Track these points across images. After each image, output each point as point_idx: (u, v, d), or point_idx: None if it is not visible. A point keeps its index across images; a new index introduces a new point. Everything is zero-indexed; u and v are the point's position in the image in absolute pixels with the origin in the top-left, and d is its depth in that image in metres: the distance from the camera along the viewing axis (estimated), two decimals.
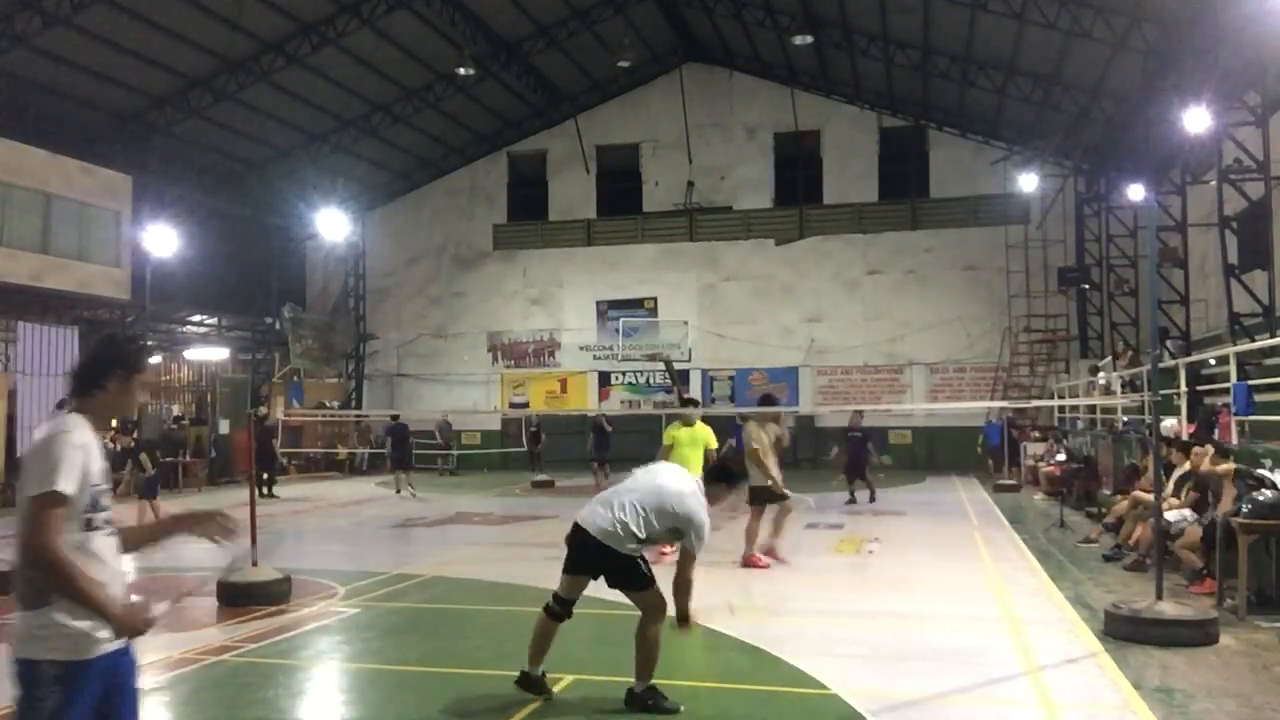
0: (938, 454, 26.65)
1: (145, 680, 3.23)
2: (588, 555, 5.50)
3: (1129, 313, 24.73)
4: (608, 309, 29.77)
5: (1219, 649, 6.65)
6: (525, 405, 30.10)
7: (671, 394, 27.47)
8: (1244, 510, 7.85)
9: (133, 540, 3.18)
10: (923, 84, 25.27)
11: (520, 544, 12.94)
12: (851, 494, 17.79)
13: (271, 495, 19.83)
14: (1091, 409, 19.71)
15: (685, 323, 28.60)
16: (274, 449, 22.01)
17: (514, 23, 24.26)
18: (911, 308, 27.99)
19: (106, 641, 2.90)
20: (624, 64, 25.13)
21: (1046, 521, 14.17)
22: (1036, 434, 22.60)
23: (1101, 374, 19.37)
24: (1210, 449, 9.13)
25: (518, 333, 30.75)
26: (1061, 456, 18.13)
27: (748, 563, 10.41)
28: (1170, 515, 8.96)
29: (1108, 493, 14.12)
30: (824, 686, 5.89)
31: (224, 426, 25.39)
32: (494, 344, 30.89)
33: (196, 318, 27.95)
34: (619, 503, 5.48)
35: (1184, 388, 12.52)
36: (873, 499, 17.54)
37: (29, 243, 19.81)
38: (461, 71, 23.19)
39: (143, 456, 14.48)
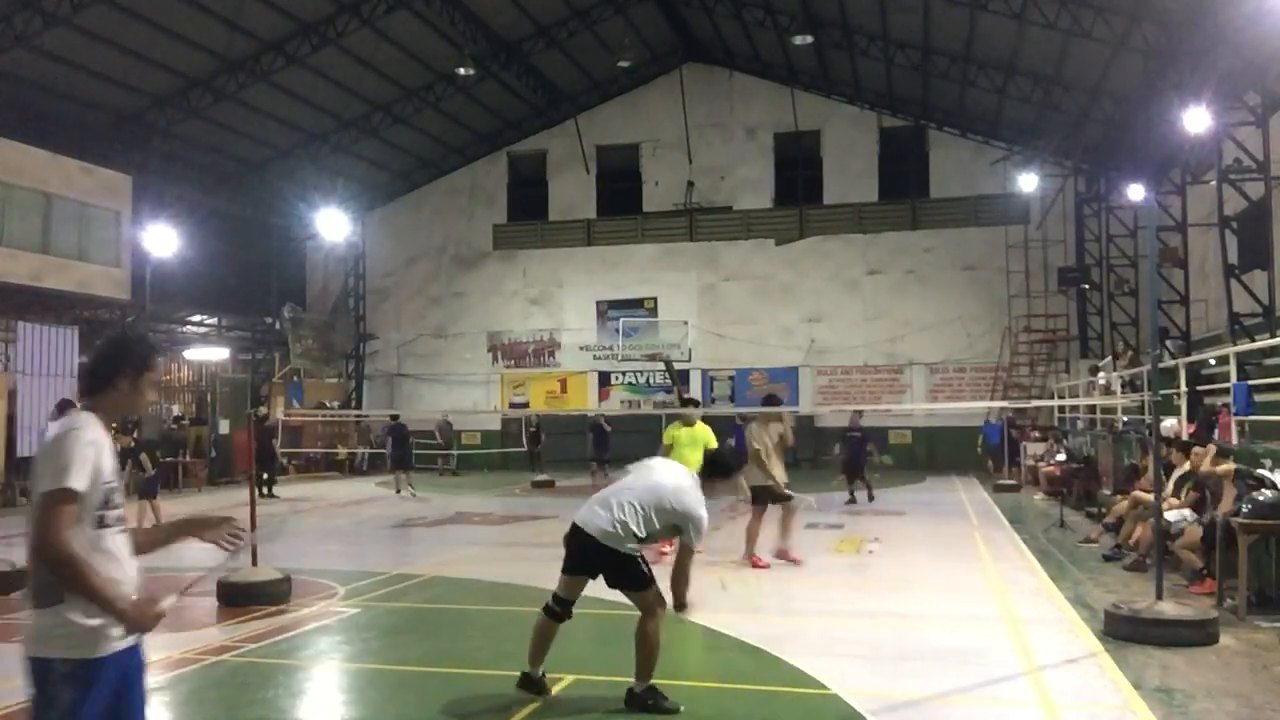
0: (938, 454, 26.66)
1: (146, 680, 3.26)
2: (587, 556, 5.50)
3: (1129, 313, 24.74)
4: (608, 309, 29.77)
5: (1219, 649, 6.65)
6: (525, 405, 30.10)
7: (671, 394, 27.48)
8: (1244, 510, 7.85)
9: (142, 542, 3.19)
10: (923, 84, 25.27)
11: (520, 544, 12.94)
12: (851, 494, 17.79)
13: (271, 495, 19.84)
14: (1091, 409, 19.72)
15: (685, 323, 28.60)
16: (274, 449, 22.02)
17: (514, 23, 24.26)
18: (911, 308, 27.99)
19: (119, 639, 2.91)
20: (624, 64, 25.13)
21: (1046, 521, 14.17)
22: (1036, 434, 22.60)
23: (1101, 374, 19.37)
24: (1211, 449, 9.13)
25: (518, 333, 30.75)
26: (1061, 456, 18.13)
27: (748, 561, 10.42)
28: (1170, 515, 8.96)
29: (1108, 493, 14.12)
30: (824, 686, 5.89)
31: (224, 426, 25.40)
32: (494, 344, 30.89)
33: (196, 318, 27.95)
34: (617, 503, 5.48)
35: (1184, 388, 12.53)
36: (870, 498, 17.56)
37: (29, 243, 19.81)
38: (461, 71, 23.19)
39: (143, 456, 14.48)
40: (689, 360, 28.37)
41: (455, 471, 27.21)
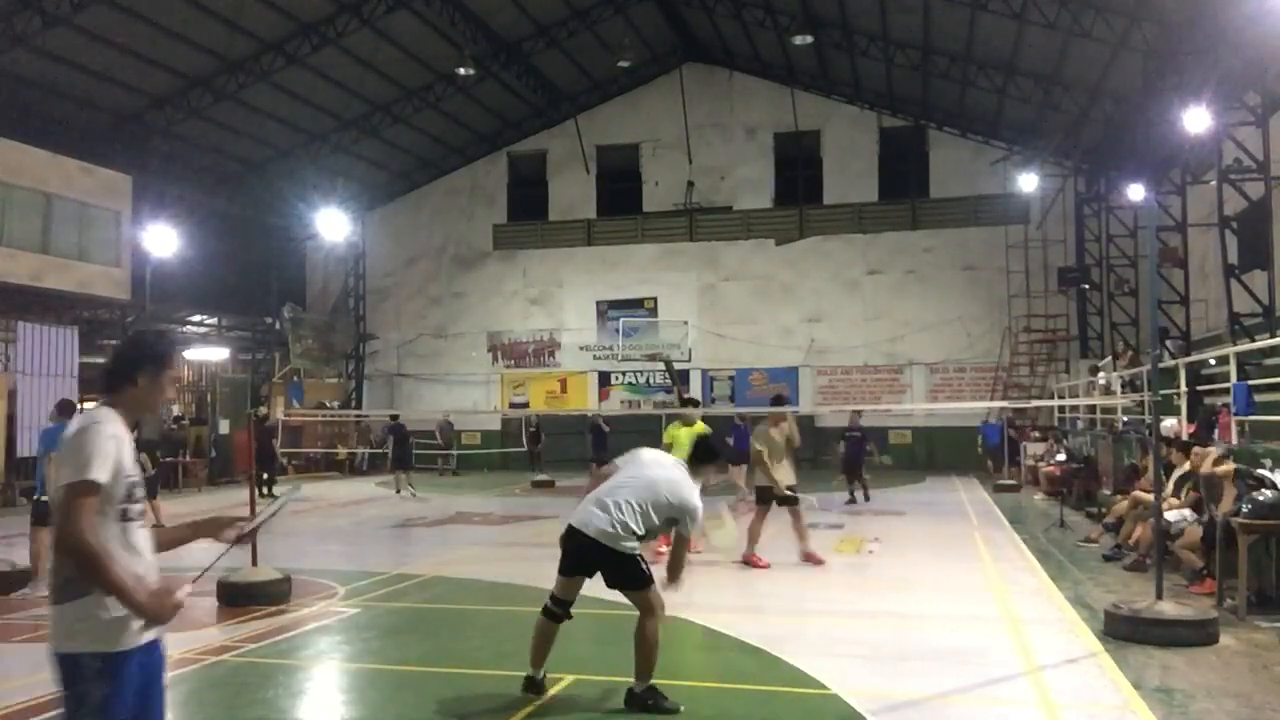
0: (938, 454, 26.66)
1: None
2: (585, 556, 5.51)
3: (1129, 313, 24.73)
4: (608, 309, 29.77)
5: (1219, 649, 6.65)
6: (525, 405, 30.10)
7: (671, 394, 27.48)
8: (1244, 510, 7.85)
9: (162, 540, 3.22)
10: (923, 84, 25.27)
11: (520, 544, 12.95)
12: (851, 494, 17.79)
13: (271, 495, 19.83)
14: (1091, 409, 19.72)
15: (685, 323, 28.59)
16: (274, 449, 22.02)
17: (514, 23, 24.25)
18: (911, 308, 27.99)
19: (142, 632, 2.93)
20: (624, 64, 25.12)
21: (1046, 521, 14.17)
22: (1036, 434, 22.60)
23: (1101, 374, 19.37)
24: (1213, 451, 9.11)
25: (518, 333, 30.75)
26: (1061, 456, 18.12)
27: (748, 561, 10.43)
28: (1170, 515, 8.96)
29: (1108, 493, 14.11)
30: (824, 686, 5.89)
31: (224, 426, 25.40)
32: (494, 344, 30.89)
33: (196, 318, 27.94)
34: (614, 503, 5.48)
35: (1184, 388, 12.53)
36: (867, 498, 17.55)
37: (29, 243, 19.81)
38: (461, 71, 23.17)
39: (142, 456, 14.47)
40: (689, 360, 28.37)
41: (455, 471, 27.22)
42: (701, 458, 6.08)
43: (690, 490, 5.63)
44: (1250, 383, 10.91)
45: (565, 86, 28.23)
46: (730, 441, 16.38)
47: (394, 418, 23.15)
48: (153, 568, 3.03)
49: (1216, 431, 11.76)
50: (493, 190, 31.10)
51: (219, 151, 25.64)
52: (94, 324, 23.07)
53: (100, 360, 25.65)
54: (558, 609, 5.61)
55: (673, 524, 5.61)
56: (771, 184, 29.40)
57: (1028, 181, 25.25)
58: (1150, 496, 8.38)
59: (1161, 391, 8.26)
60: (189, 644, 6.96)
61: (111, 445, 2.91)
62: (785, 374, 28.32)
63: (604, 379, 29.87)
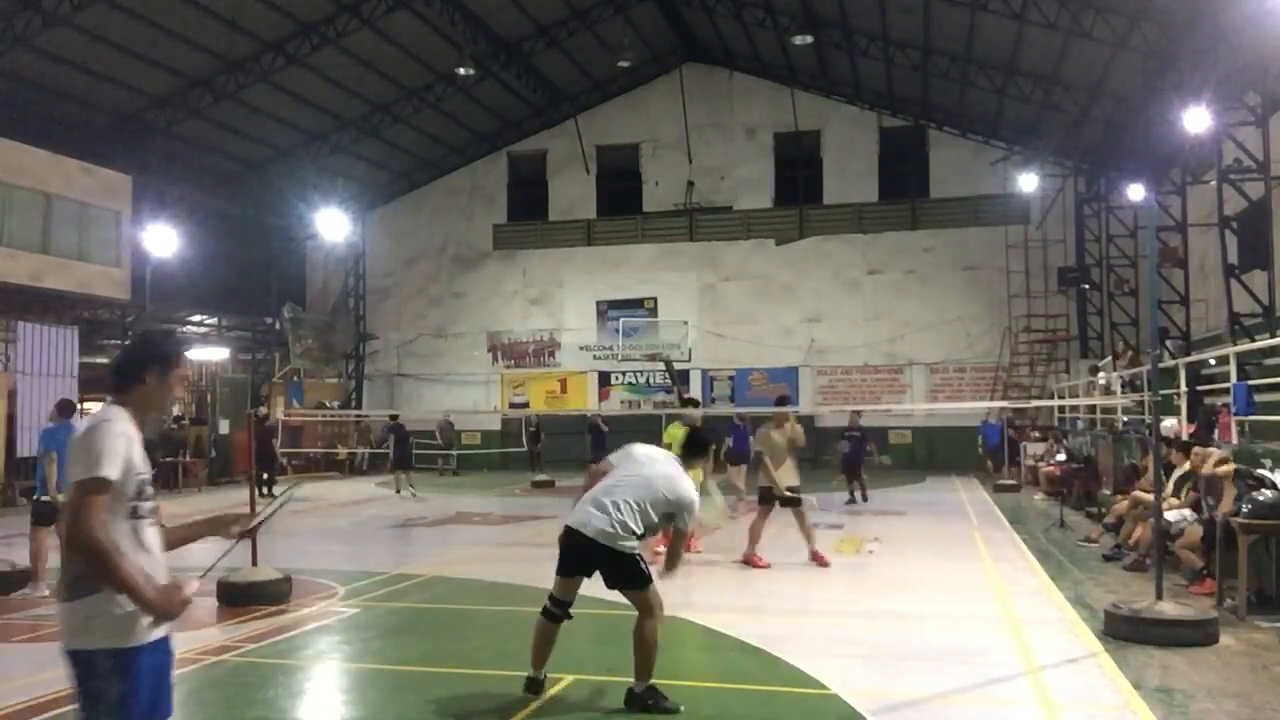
0: (938, 454, 26.66)
1: None
2: (584, 556, 5.50)
3: (1129, 313, 24.74)
4: (608, 309, 29.77)
5: (1219, 649, 6.65)
6: (525, 405, 30.10)
7: (671, 394, 27.48)
8: (1244, 510, 7.85)
9: (171, 539, 3.24)
10: (923, 84, 25.27)
11: (520, 544, 12.94)
12: (851, 494, 17.79)
13: (271, 495, 19.82)
14: (1091, 409, 19.72)
15: (685, 323, 28.60)
16: (274, 449, 22.01)
17: (514, 23, 24.26)
18: (911, 308, 27.99)
19: (153, 628, 2.94)
20: (624, 64, 25.12)
21: (1046, 521, 14.17)
22: (1036, 434, 22.59)
23: (1101, 374, 19.37)
24: (1215, 452, 9.11)
25: (518, 333, 30.75)
26: (1061, 456, 18.12)
27: (748, 560, 10.43)
28: (1170, 515, 8.96)
29: (1108, 493, 14.12)
30: (824, 686, 5.89)
31: (224, 426, 25.40)
32: (494, 344, 30.89)
33: (196, 318, 27.95)
34: (611, 502, 5.47)
35: (1184, 388, 12.53)
36: (864, 498, 17.53)
37: (29, 243, 19.80)
38: (461, 71, 23.17)
39: None
40: (689, 360, 28.37)
41: (455, 471, 27.22)
42: (694, 450, 6.14)
43: (686, 484, 5.66)
44: (1250, 383, 10.92)
45: (565, 86, 28.23)
46: (729, 441, 16.38)
47: (393, 418, 23.14)
48: (162, 566, 3.04)
49: (1216, 431, 11.76)
50: (493, 190, 31.10)
51: (219, 151, 25.65)
52: (94, 324, 23.07)
53: (101, 360, 25.68)
54: (557, 610, 5.60)
55: (671, 519, 5.63)
56: (771, 184, 29.40)
57: (1028, 181, 25.25)
58: (1150, 496, 8.38)
59: (1161, 391, 8.26)
60: (189, 644, 6.95)
61: (122, 443, 2.93)
62: (785, 374, 28.32)
63: (604, 379, 29.87)
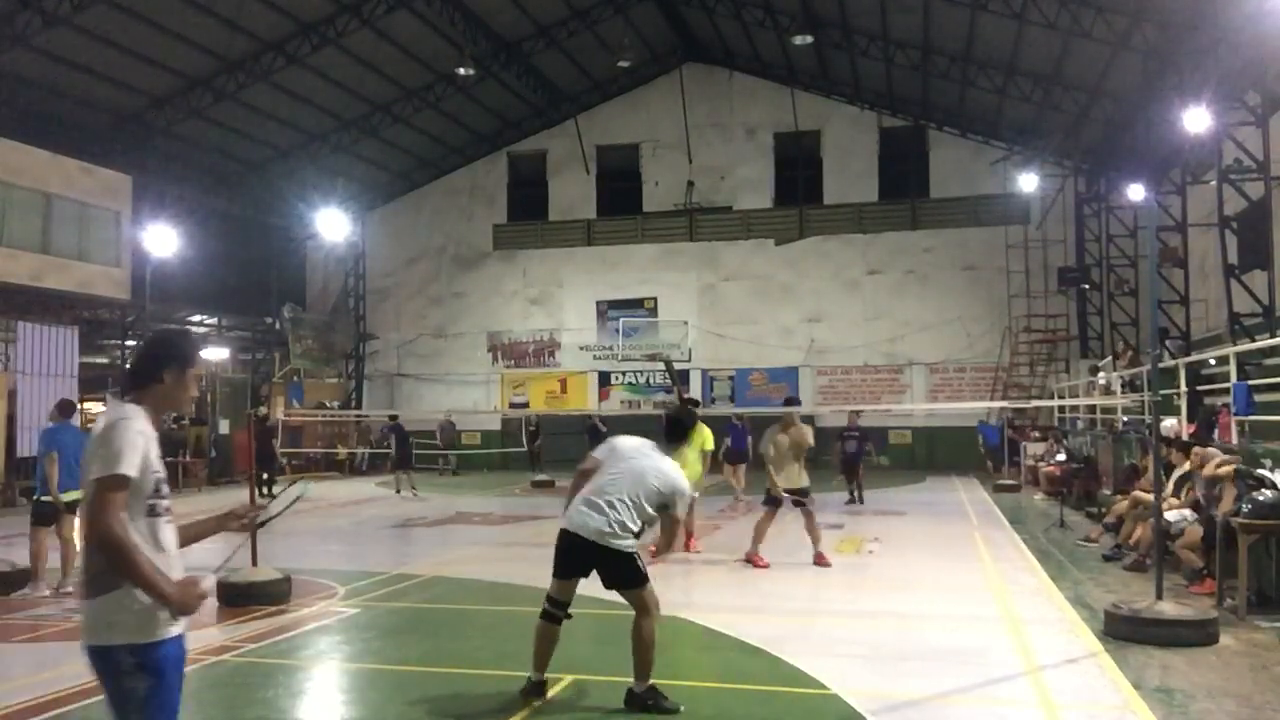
0: (938, 454, 26.66)
1: None
2: (581, 557, 5.49)
3: (1129, 313, 24.74)
4: (608, 309, 29.77)
5: (1219, 649, 6.65)
6: (525, 405, 30.10)
7: (671, 394, 27.45)
8: (1244, 510, 7.85)
9: (184, 536, 3.25)
10: (923, 84, 25.27)
11: (520, 544, 12.94)
12: (850, 494, 17.79)
13: (271, 495, 19.82)
14: (1091, 409, 19.72)
15: (685, 323, 28.60)
16: (274, 449, 22.01)
17: (514, 23, 24.26)
18: (911, 308, 27.99)
19: (171, 623, 2.97)
20: (624, 64, 25.12)
21: (1046, 521, 14.17)
22: (1036, 434, 22.59)
23: (1101, 374, 19.37)
24: (1216, 454, 9.11)
25: (518, 333, 30.75)
26: (1061, 456, 18.12)
27: (750, 559, 10.44)
28: (1170, 515, 8.96)
29: (1108, 493, 14.11)
30: (824, 686, 5.89)
31: (224, 426, 25.41)
32: (494, 344, 30.89)
33: (196, 318, 27.95)
34: (606, 502, 5.46)
35: (1184, 388, 12.53)
36: (861, 500, 17.50)
37: (29, 243, 19.80)
38: (461, 71, 23.17)
39: None
40: (689, 360, 28.37)
41: (455, 471, 27.22)
42: (675, 435, 6.09)
43: (675, 471, 5.68)
44: (1250, 383, 10.92)
45: (565, 86, 28.23)
46: (727, 441, 16.37)
47: (393, 418, 23.15)
48: (178, 563, 3.06)
49: (1216, 431, 11.76)
50: (493, 190, 31.10)
51: (219, 151, 25.64)
52: (94, 324, 23.07)
53: (101, 360, 25.72)
54: (556, 610, 5.59)
55: (665, 509, 5.64)
56: (771, 184, 29.39)
57: (1028, 181, 25.24)
58: (1150, 496, 8.38)
59: (1161, 391, 8.26)
60: (189, 644, 6.94)
61: (140, 441, 2.95)
62: (785, 374, 28.33)
63: (604, 379, 29.87)
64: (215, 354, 28.78)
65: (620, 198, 30.17)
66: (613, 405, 29.03)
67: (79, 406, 13.93)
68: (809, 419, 26.64)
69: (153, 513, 2.99)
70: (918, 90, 25.91)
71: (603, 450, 5.86)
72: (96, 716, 5.32)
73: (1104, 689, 5.80)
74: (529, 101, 28.32)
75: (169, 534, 3.06)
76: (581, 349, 30.14)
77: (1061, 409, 22.90)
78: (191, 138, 24.23)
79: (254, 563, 8.71)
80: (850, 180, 28.62)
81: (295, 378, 29.63)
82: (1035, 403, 24.39)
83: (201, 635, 7.32)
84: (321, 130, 26.15)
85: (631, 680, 5.46)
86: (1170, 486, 9.69)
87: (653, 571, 5.64)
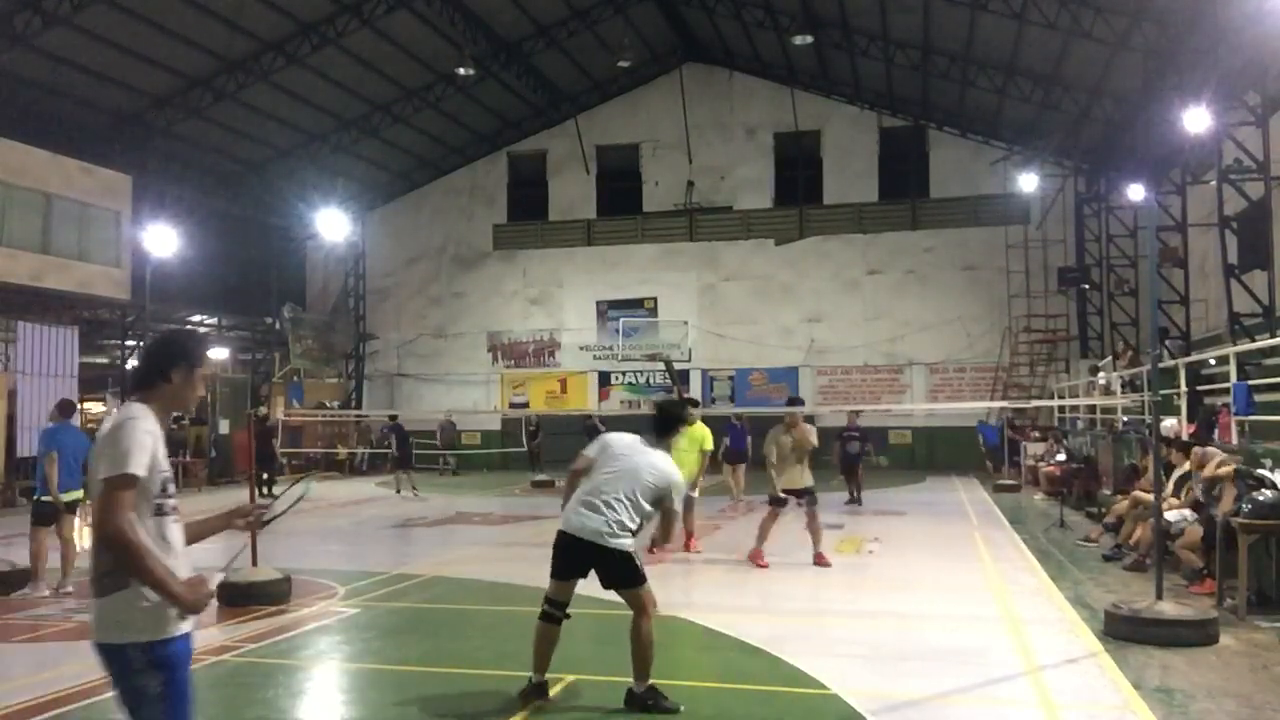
0: (938, 454, 26.65)
1: None
2: (580, 557, 5.49)
3: (1129, 313, 24.73)
4: (608, 309, 29.77)
5: (1219, 649, 6.65)
6: (525, 405, 30.09)
7: (671, 394, 27.43)
8: (1244, 510, 7.85)
9: (190, 534, 3.26)
10: (923, 84, 25.27)
11: (520, 544, 12.94)
12: (850, 494, 17.78)
13: (271, 495, 19.83)
14: (1091, 409, 19.72)
15: (685, 323, 28.58)
16: (274, 449, 22.01)
17: (514, 23, 24.26)
18: (911, 308, 27.99)
19: (179, 621, 2.98)
20: (624, 64, 25.11)
21: (1046, 521, 14.17)
22: (1036, 434, 22.59)
23: (1101, 374, 19.37)
24: (1216, 454, 9.10)
25: (518, 333, 30.75)
26: (1061, 456, 18.12)
27: (752, 558, 10.44)
28: (1170, 515, 8.96)
29: (1108, 493, 14.12)
30: (824, 686, 5.89)
31: (224, 426, 25.40)
32: (494, 344, 30.89)
33: (196, 318, 27.95)
34: (603, 502, 5.46)
35: (1184, 388, 12.53)
36: (859, 501, 17.46)
37: (29, 243, 19.80)
38: (461, 71, 23.17)
39: None
40: (689, 360, 28.36)
41: (455, 471, 27.22)
42: (665, 428, 6.00)
43: (669, 465, 5.69)
44: (1250, 383, 10.93)
45: (565, 86, 28.23)
46: (726, 440, 16.35)
47: (393, 418, 23.14)
48: (185, 562, 3.08)
49: (1216, 431, 11.76)
50: (493, 190, 31.10)
51: (219, 151, 25.65)
52: (94, 324, 23.08)
53: (101, 360, 25.73)
54: (556, 611, 5.58)
55: (660, 503, 5.64)
56: (771, 184, 29.39)
57: (1028, 181, 25.24)
58: (1150, 496, 8.38)
59: (1161, 391, 8.26)
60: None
61: (148, 440, 2.96)
62: (785, 374, 28.33)
63: (604, 379, 29.87)
64: (215, 354, 28.79)
65: (620, 198, 30.17)
66: (613, 405, 29.03)
67: (79, 406, 13.94)
68: (809, 419, 26.84)
69: (160, 511, 3.00)
70: (918, 90, 25.91)
71: (594, 448, 5.84)
72: (97, 716, 5.33)
73: (1104, 689, 5.80)
74: (529, 101, 28.32)
75: (176, 533, 3.08)
76: (581, 349, 30.15)
77: (1061, 409, 22.89)
78: (191, 138, 24.24)
79: (254, 562, 8.71)
80: (850, 180, 28.62)
81: (295, 378, 29.63)
82: (1035, 403, 24.39)
83: (202, 635, 7.30)
84: (321, 130, 26.16)
85: (631, 680, 5.46)
86: (1170, 486, 9.69)
87: (652, 571, 5.65)
